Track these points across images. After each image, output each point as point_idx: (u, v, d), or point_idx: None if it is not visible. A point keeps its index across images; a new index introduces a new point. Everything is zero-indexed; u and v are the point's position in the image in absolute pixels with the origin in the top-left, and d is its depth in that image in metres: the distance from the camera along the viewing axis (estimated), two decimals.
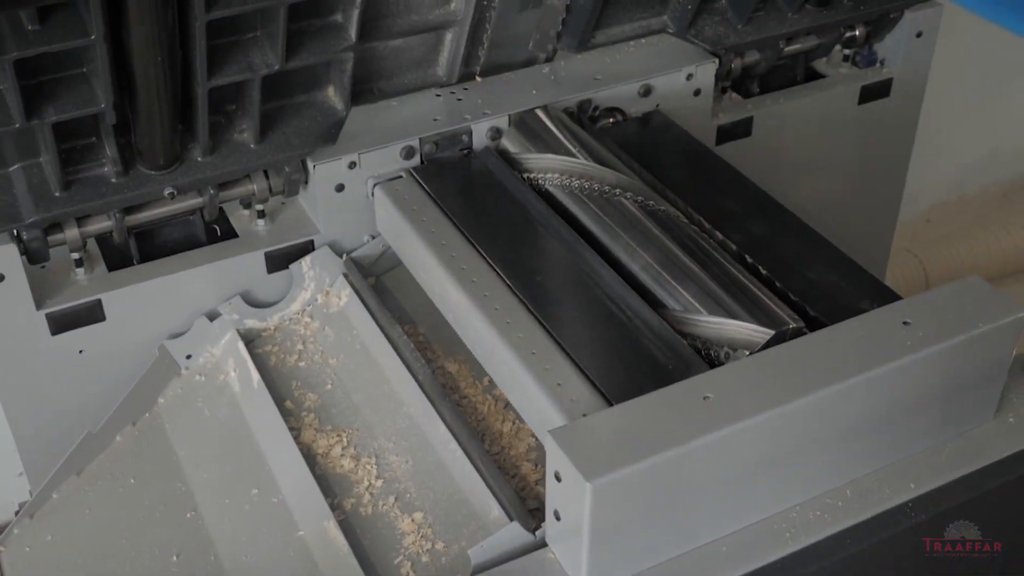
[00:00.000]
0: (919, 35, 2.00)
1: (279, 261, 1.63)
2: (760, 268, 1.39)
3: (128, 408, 1.59)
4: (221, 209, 1.63)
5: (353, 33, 1.51)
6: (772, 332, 1.24)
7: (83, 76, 1.39)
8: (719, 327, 1.28)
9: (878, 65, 2.02)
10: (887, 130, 2.02)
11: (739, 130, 1.88)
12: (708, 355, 1.28)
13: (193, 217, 1.61)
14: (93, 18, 1.26)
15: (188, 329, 1.62)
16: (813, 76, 2.00)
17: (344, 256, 1.65)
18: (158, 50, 1.34)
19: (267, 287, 1.65)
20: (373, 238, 1.66)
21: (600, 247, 1.45)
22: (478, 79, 1.74)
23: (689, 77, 1.77)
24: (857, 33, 1.96)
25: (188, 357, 1.61)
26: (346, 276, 1.63)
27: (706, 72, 1.79)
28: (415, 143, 1.61)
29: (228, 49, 1.46)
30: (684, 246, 1.40)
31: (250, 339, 1.63)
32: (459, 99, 1.70)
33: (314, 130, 1.59)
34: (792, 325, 1.26)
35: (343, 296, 1.63)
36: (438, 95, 1.71)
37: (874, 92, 2.00)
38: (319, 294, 1.64)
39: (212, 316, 1.62)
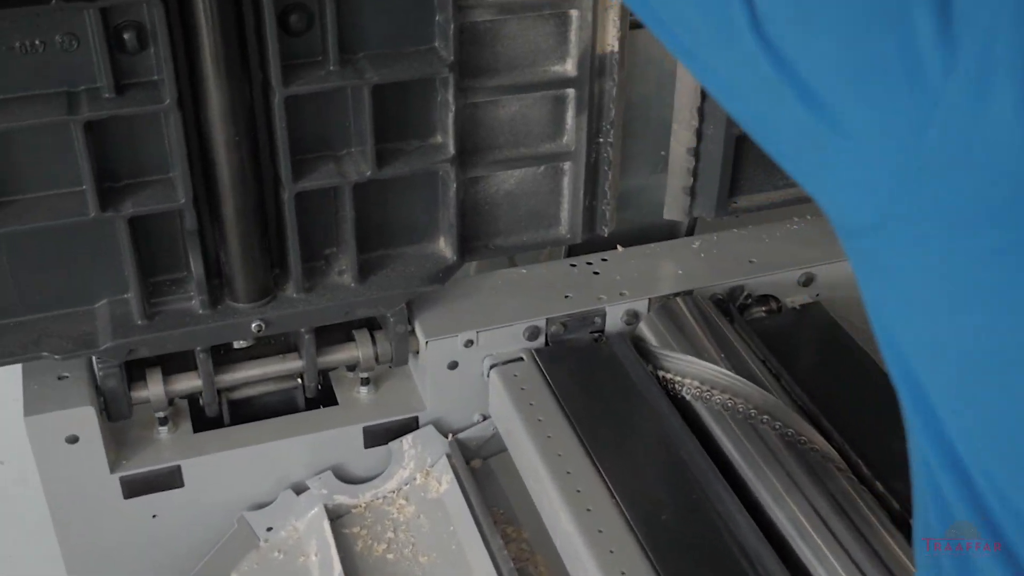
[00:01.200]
0: None
1: (378, 437, 1.48)
2: None
3: None
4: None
5: (452, 148, 1.37)
6: None
7: (167, 180, 1.31)
8: None
9: None
10: None
11: None
12: None
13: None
14: (167, 84, 1.23)
15: (272, 500, 1.47)
16: None
17: (450, 436, 1.49)
18: (235, 128, 1.27)
19: (362, 461, 1.50)
20: (485, 418, 1.50)
21: (738, 482, 1.26)
22: (619, 248, 1.57)
23: None
24: None
25: (269, 529, 1.46)
26: (449, 458, 1.47)
27: None
28: (541, 323, 1.45)
29: (318, 160, 1.36)
30: (836, 502, 1.19)
31: (338, 515, 1.47)
32: (596, 272, 1.53)
33: (421, 274, 1.44)
34: None
35: (443, 481, 1.46)
36: (573, 265, 1.54)
37: None
38: (418, 473, 1.48)
39: (299, 488, 1.48)
